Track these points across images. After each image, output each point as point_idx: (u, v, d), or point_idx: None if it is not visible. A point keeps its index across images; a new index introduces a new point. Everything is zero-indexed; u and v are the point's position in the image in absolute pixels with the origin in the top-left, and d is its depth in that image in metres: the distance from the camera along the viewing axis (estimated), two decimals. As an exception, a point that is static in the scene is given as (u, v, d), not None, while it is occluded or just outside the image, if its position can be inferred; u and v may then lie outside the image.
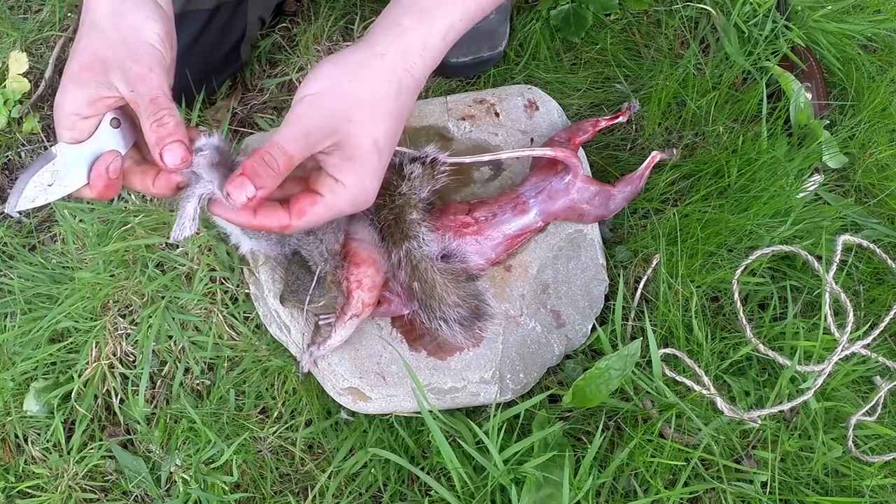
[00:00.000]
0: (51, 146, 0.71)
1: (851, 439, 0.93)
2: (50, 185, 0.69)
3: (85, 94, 0.67)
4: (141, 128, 0.68)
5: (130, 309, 1.02)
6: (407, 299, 0.91)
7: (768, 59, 1.16)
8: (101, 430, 1.01)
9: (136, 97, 0.67)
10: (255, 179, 0.67)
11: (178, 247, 1.03)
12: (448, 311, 0.88)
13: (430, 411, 0.87)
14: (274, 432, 0.97)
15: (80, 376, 1.00)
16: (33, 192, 0.69)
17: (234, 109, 1.18)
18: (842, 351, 0.94)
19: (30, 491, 0.98)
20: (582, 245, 0.99)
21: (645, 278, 1.02)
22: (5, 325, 1.04)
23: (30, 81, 1.22)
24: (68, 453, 0.99)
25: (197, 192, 0.72)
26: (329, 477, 0.94)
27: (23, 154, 1.22)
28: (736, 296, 0.99)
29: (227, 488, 0.95)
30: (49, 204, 0.75)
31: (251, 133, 1.12)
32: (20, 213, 0.76)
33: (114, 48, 0.67)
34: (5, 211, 0.74)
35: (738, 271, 1.00)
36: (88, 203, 1.08)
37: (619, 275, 1.00)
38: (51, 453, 1.00)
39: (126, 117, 0.71)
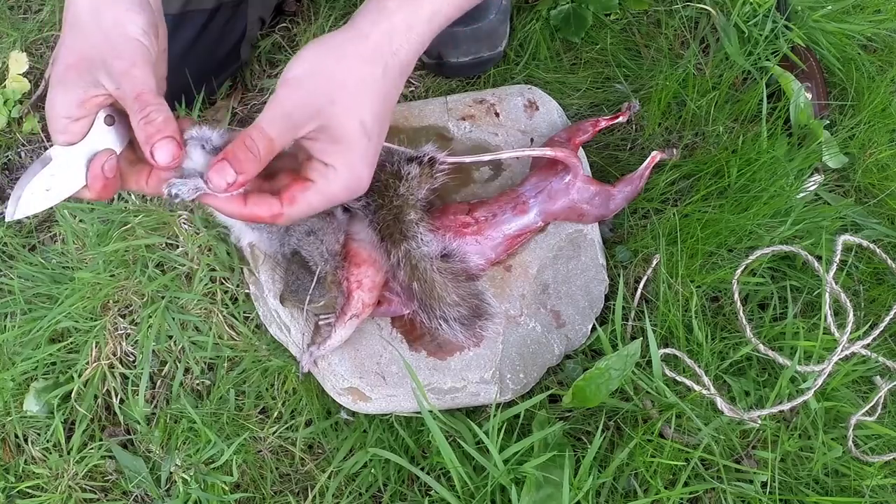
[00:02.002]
0: (47, 148, 0.70)
1: (851, 439, 0.93)
2: (48, 190, 0.68)
3: (74, 95, 0.66)
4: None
5: (130, 309, 1.02)
6: (407, 299, 0.91)
7: (768, 59, 1.16)
8: (101, 430, 1.01)
9: (122, 94, 0.65)
10: (234, 164, 0.66)
11: (178, 247, 1.03)
12: (448, 310, 0.88)
13: (430, 411, 0.87)
14: (274, 432, 0.97)
15: (80, 376, 1.00)
16: (32, 198, 0.68)
17: (234, 109, 1.18)
18: (842, 351, 0.94)
19: (30, 491, 0.98)
20: (582, 245, 0.99)
21: (645, 278, 1.02)
22: (5, 325, 1.04)
23: (30, 81, 1.22)
24: (68, 453, 0.99)
25: (188, 175, 0.71)
26: (329, 477, 0.94)
27: (23, 154, 1.22)
28: (736, 296, 0.99)
29: (227, 488, 0.95)
30: (51, 208, 0.75)
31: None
32: (19, 220, 0.74)
33: (97, 45, 0.65)
34: (5, 218, 0.73)
35: (738, 271, 1.00)
36: (88, 203, 1.08)
37: (619, 275, 1.00)
38: (51, 453, 1.00)
39: (120, 114, 0.69)
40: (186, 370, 1.01)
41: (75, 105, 0.66)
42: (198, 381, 1.01)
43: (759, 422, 0.91)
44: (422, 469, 0.90)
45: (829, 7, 1.21)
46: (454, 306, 0.88)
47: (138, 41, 0.66)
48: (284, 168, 0.74)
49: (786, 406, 0.92)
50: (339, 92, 0.67)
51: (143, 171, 0.71)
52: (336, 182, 0.70)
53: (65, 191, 0.69)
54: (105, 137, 0.69)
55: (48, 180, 0.68)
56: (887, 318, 1.00)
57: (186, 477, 0.95)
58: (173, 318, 1.00)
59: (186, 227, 1.02)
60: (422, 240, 0.88)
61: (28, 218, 1.15)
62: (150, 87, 0.66)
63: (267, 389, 0.99)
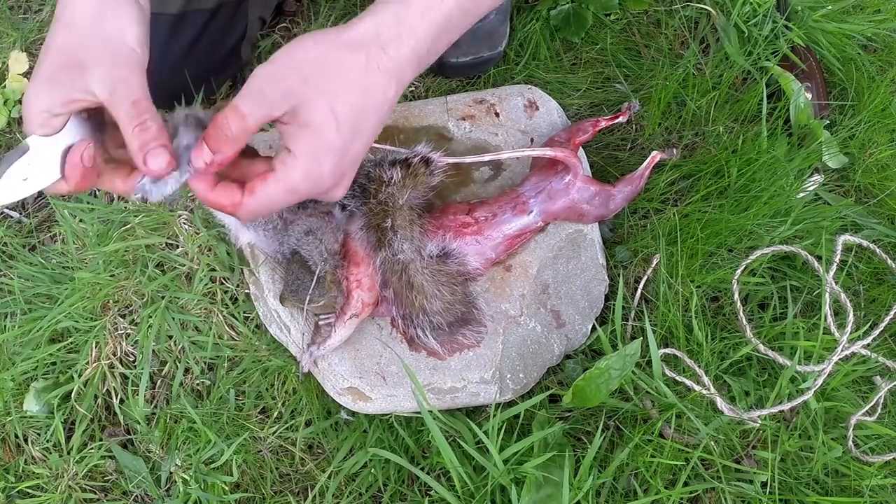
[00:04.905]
0: (23, 140, 0.68)
1: (851, 439, 0.93)
2: (25, 180, 0.67)
3: (60, 94, 0.65)
4: (108, 124, 0.67)
5: (130, 309, 1.02)
6: (391, 304, 0.91)
7: (768, 59, 1.16)
8: (101, 430, 1.01)
9: (116, 101, 0.65)
10: (210, 143, 0.65)
11: (178, 247, 1.03)
12: (427, 319, 0.88)
13: (430, 411, 0.87)
14: (274, 432, 0.97)
15: (80, 376, 1.00)
16: (8, 187, 0.66)
17: (234, 109, 1.18)
18: (842, 351, 0.94)
19: (30, 491, 0.98)
20: (582, 245, 0.99)
21: (645, 278, 1.02)
22: (5, 325, 1.04)
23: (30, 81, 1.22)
24: (68, 453, 0.99)
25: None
26: (329, 477, 0.94)
27: (23, 154, 1.22)
28: (736, 296, 0.99)
29: (227, 488, 0.95)
30: (27, 198, 0.74)
31: (251, 133, 1.12)
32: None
33: (93, 50, 0.66)
34: None
35: (738, 271, 1.00)
36: (88, 203, 1.08)
37: (619, 275, 1.00)
38: (51, 453, 1.00)
39: (95, 112, 0.69)
40: (186, 370, 1.01)
41: (60, 103, 0.66)
42: (198, 381, 1.01)
43: (759, 422, 0.91)
44: (422, 469, 0.90)
45: (829, 7, 1.21)
46: (436, 314, 0.88)
47: (135, 51, 0.67)
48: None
49: (786, 406, 0.92)
50: (313, 72, 0.65)
51: (119, 171, 0.70)
52: (294, 171, 0.66)
53: (41, 181, 0.68)
54: (81, 131, 0.68)
55: (25, 170, 0.67)
56: (887, 318, 1.00)
57: (186, 477, 0.95)
58: (173, 318, 1.00)
59: (186, 227, 1.03)
60: (399, 248, 0.86)
61: (26, 215, 1.15)
62: (146, 96, 0.66)
63: (267, 389, 0.99)
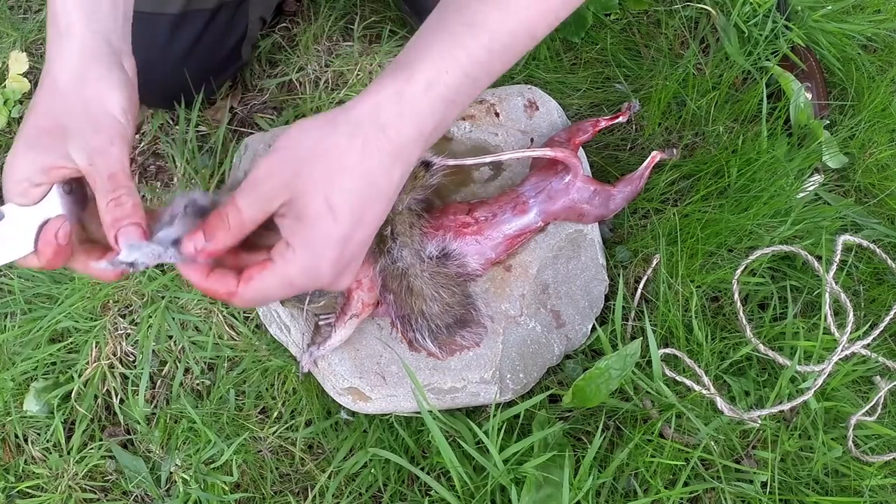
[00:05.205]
0: None
1: (851, 439, 0.93)
2: None
3: (40, 160, 0.63)
4: (90, 200, 0.64)
5: (130, 309, 1.02)
6: (390, 307, 0.91)
7: (768, 59, 1.16)
8: (101, 430, 1.01)
9: (94, 171, 0.62)
10: (207, 230, 0.63)
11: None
12: (425, 324, 0.88)
13: (430, 411, 0.87)
14: (274, 432, 0.97)
15: (80, 376, 1.00)
16: None
17: (234, 109, 1.18)
18: (842, 351, 0.94)
19: (30, 491, 0.98)
20: (582, 245, 0.99)
21: (645, 278, 1.02)
22: (5, 325, 1.04)
23: (30, 81, 1.22)
24: (68, 453, 0.99)
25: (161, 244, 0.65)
26: (329, 477, 0.94)
27: (23, 154, 1.22)
28: (736, 296, 0.99)
29: (227, 488, 0.95)
30: None
31: (251, 133, 1.12)
32: None
33: (75, 116, 0.63)
34: None
35: (738, 271, 1.00)
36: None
37: (619, 275, 1.00)
38: (51, 453, 1.00)
39: (79, 185, 0.66)
40: (186, 370, 1.01)
41: (39, 170, 0.63)
42: (198, 381, 1.01)
43: (759, 422, 0.91)
44: (422, 469, 0.91)
45: (829, 7, 1.21)
46: (434, 318, 0.88)
47: (118, 120, 0.64)
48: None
49: (786, 406, 0.92)
50: (306, 164, 0.61)
51: (93, 251, 0.67)
52: (293, 264, 0.63)
53: (13, 252, 0.64)
54: (60, 206, 0.65)
55: None
56: (887, 318, 1.00)
57: (186, 477, 0.95)
58: (173, 318, 1.00)
59: (186, 227, 1.02)
60: (398, 255, 0.86)
61: None
62: (125, 169, 0.63)
63: (267, 389, 0.99)
